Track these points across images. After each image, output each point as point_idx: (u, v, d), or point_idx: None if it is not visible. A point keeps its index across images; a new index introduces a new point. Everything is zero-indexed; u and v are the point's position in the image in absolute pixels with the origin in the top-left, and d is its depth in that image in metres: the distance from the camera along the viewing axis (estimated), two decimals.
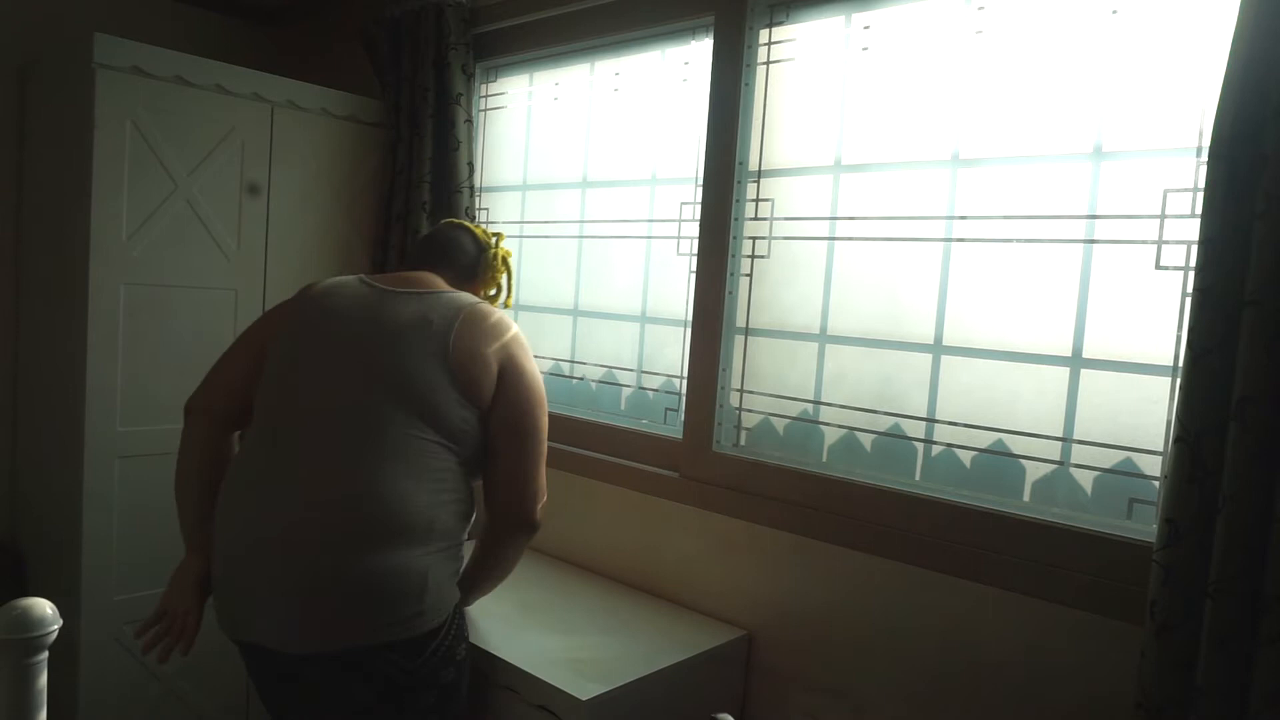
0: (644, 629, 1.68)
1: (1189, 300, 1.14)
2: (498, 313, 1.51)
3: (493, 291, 1.73)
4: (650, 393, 1.99)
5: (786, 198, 1.72)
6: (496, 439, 1.45)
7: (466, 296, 1.51)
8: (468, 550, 1.48)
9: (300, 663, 1.31)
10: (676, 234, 1.93)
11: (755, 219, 1.76)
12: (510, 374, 1.45)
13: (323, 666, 1.30)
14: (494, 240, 1.73)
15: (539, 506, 1.48)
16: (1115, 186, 1.34)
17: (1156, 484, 1.30)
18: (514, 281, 1.79)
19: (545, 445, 1.50)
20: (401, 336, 1.40)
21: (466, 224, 1.74)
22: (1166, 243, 1.29)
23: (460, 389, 1.39)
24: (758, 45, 1.76)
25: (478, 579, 1.52)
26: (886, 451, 1.58)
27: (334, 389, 1.39)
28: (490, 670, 1.51)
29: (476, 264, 1.68)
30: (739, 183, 1.76)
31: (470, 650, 1.46)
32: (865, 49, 1.62)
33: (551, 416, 2.10)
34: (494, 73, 2.36)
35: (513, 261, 1.79)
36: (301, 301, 1.53)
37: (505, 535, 1.49)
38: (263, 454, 1.38)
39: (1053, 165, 1.40)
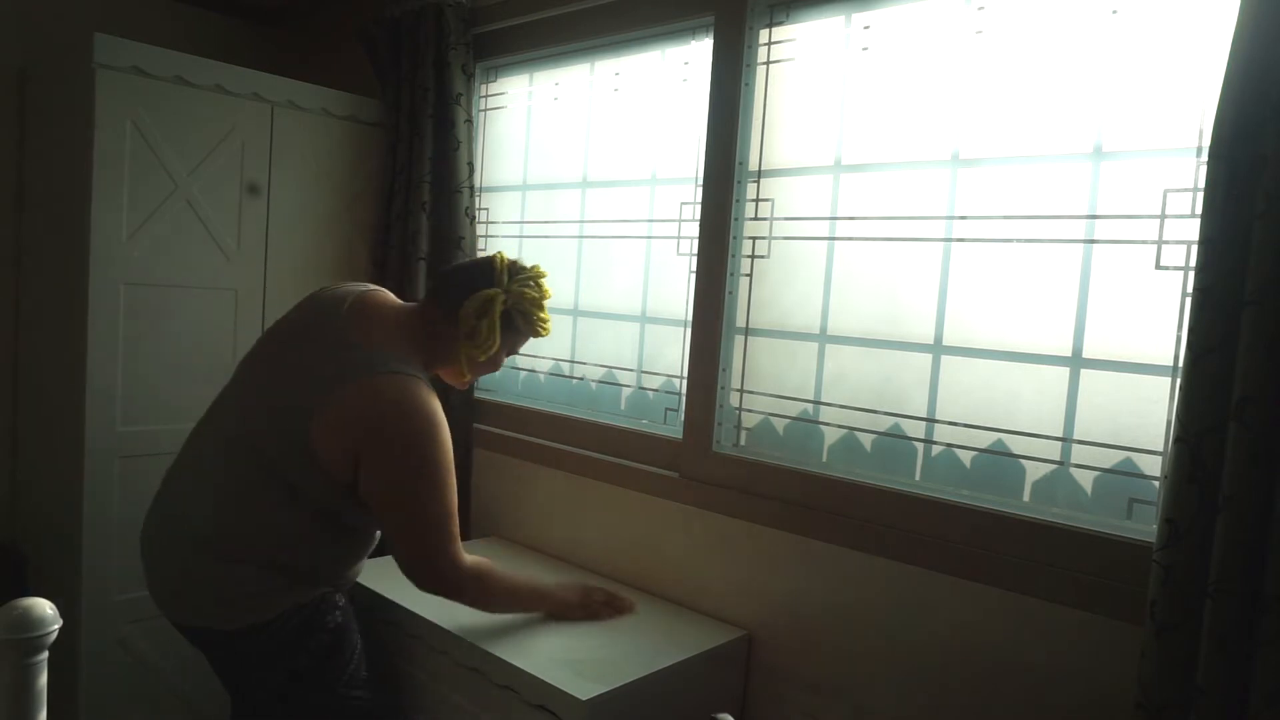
0: (644, 629, 1.67)
1: (1189, 300, 1.14)
2: (386, 395, 1.40)
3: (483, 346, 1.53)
4: (650, 393, 1.99)
5: (786, 198, 1.72)
6: (378, 515, 1.47)
7: (379, 361, 1.42)
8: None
9: (185, 631, 1.50)
10: (676, 234, 1.93)
11: (755, 219, 1.76)
12: (370, 459, 1.39)
13: (199, 636, 1.50)
14: (503, 282, 1.53)
15: (448, 582, 1.47)
16: (1115, 186, 1.34)
17: (1156, 484, 1.30)
18: (493, 339, 1.51)
19: (438, 511, 1.43)
20: (287, 386, 1.47)
21: (499, 259, 1.57)
22: (1166, 243, 1.29)
23: (318, 459, 1.40)
24: (758, 45, 1.76)
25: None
26: (886, 451, 1.58)
27: (226, 413, 1.53)
28: (491, 670, 1.51)
29: (458, 302, 1.52)
30: (739, 183, 1.76)
31: (348, 618, 1.54)
32: (865, 49, 1.62)
33: (552, 416, 2.12)
34: (494, 73, 2.36)
35: (516, 316, 1.55)
36: (293, 309, 1.63)
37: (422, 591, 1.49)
38: (183, 450, 1.57)
39: (1053, 165, 1.40)
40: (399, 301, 1.60)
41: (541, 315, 1.59)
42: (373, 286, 1.60)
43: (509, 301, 1.54)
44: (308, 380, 1.44)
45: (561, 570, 1.98)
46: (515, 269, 1.57)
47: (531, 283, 1.57)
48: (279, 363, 1.52)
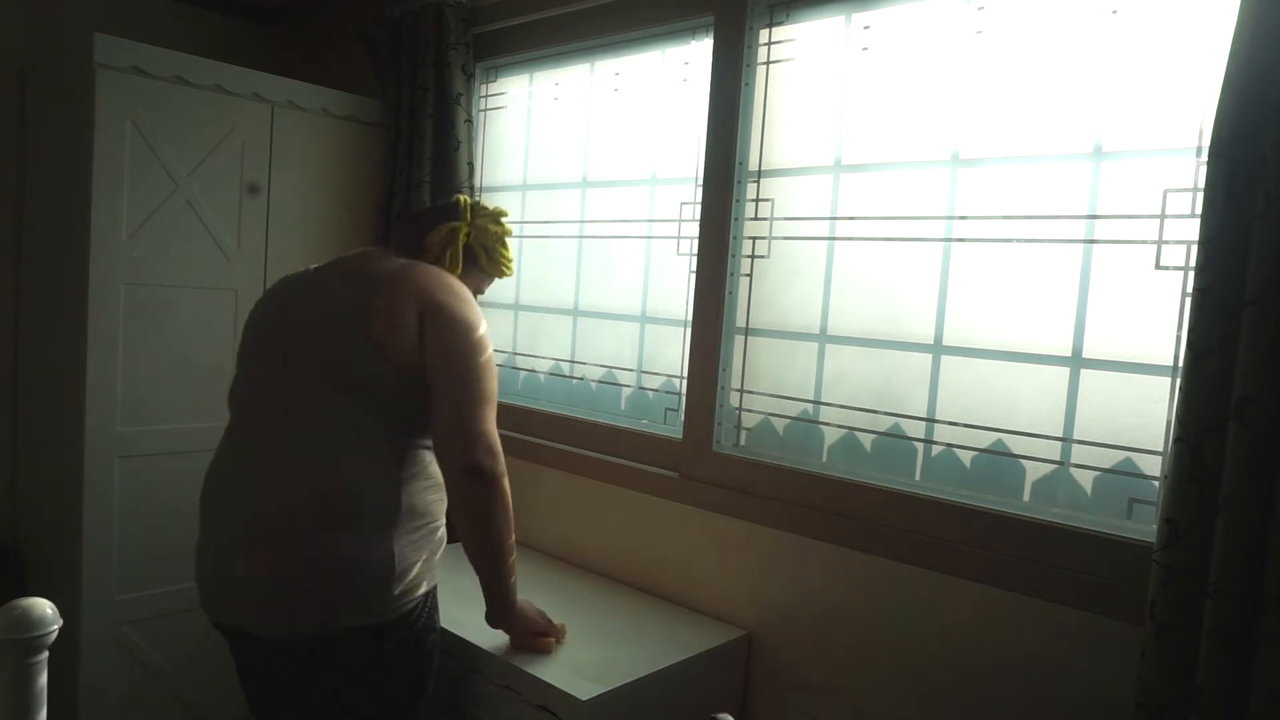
0: (644, 629, 1.68)
1: (1189, 300, 1.14)
2: (429, 270, 1.45)
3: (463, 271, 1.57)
4: (650, 393, 1.99)
5: (786, 198, 1.72)
6: (431, 386, 1.38)
7: (400, 262, 1.46)
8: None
9: (273, 647, 1.34)
10: (676, 234, 1.93)
11: (755, 219, 1.76)
12: (431, 320, 1.38)
13: (291, 651, 1.33)
14: (466, 218, 1.59)
15: (483, 451, 1.36)
16: (1115, 186, 1.34)
17: (1156, 484, 1.30)
18: (456, 270, 1.56)
19: (486, 388, 1.40)
20: (319, 319, 1.41)
21: (461, 199, 1.62)
22: (1166, 243, 1.29)
23: (387, 358, 1.35)
24: (758, 45, 1.76)
25: (471, 558, 1.43)
26: (886, 451, 1.58)
27: (272, 382, 1.42)
28: (491, 670, 1.51)
29: (423, 238, 1.56)
30: (739, 183, 1.76)
31: (439, 639, 1.47)
32: (865, 49, 1.62)
33: (552, 416, 2.12)
34: (494, 73, 2.36)
35: (479, 250, 1.60)
36: (263, 298, 1.57)
37: (459, 491, 1.38)
38: (227, 447, 1.44)
39: (1053, 165, 1.40)
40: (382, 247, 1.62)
41: (504, 252, 1.64)
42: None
43: (472, 235, 1.59)
44: (354, 294, 1.40)
45: (562, 571, 1.98)
46: (479, 208, 1.62)
47: (494, 220, 1.62)
48: (314, 303, 1.44)
